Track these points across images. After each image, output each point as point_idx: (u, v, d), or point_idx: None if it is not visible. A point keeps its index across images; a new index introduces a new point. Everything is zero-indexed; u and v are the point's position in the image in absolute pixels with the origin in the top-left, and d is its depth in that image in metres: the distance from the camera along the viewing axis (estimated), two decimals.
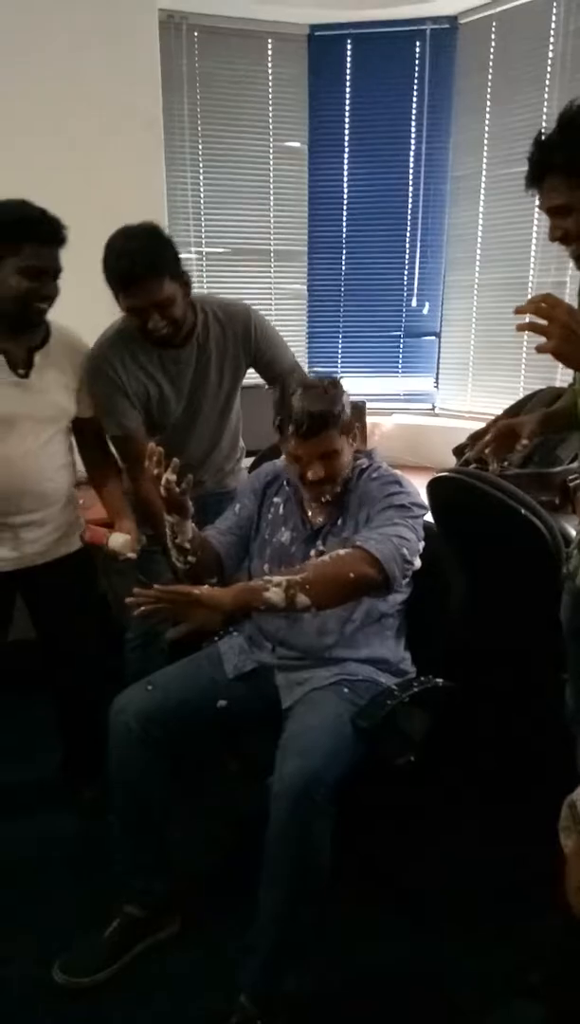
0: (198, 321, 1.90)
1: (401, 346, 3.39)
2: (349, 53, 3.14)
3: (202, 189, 3.13)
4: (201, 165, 3.11)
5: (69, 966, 1.61)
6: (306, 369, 3.33)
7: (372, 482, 1.63)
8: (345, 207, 3.28)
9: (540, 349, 1.19)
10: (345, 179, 3.26)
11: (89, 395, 1.89)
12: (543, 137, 1.35)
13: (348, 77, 3.16)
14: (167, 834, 1.68)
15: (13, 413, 1.75)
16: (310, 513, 1.69)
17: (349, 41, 3.12)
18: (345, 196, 3.28)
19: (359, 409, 1.63)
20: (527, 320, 1.18)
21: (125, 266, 1.70)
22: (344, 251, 3.32)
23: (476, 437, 1.90)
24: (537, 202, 1.39)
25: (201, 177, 3.12)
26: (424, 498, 1.68)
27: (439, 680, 1.64)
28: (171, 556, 1.65)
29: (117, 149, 2.77)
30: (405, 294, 3.32)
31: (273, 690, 1.64)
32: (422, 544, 1.60)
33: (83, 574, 1.98)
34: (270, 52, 3.11)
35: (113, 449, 1.98)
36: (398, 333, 3.38)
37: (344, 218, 3.29)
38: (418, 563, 1.59)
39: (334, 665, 1.61)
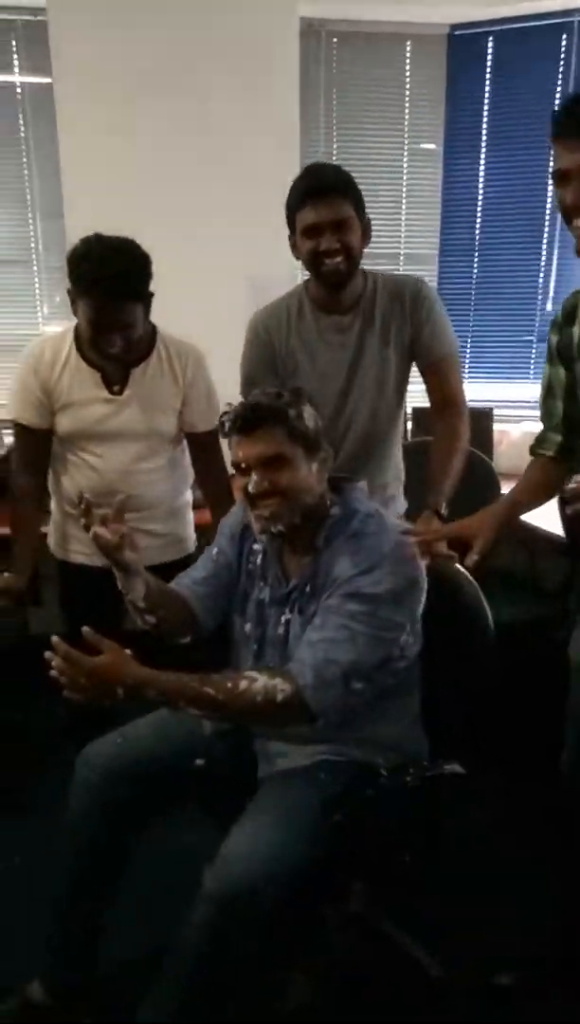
0: (366, 287, 1.80)
1: (533, 351, 3.27)
2: (490, 51, 3.06)
3: None
4: None
5: None
6: None
7: (346, 542, 1.35)
8: (479, 209, 3.20)
9: None
10: (480, 180, 3.18)
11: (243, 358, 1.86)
12: None
13: (488, 76, 3.08)
14: (102, 918, 1.48)
15: (104, 430, 1.79)
16: (286, 565, 1.46)
17: (490, 39, 3.04)
18: (480, 198, 3.20)
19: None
20: None
21: (318, 176, 1.70)
22: (476, 254, 3.24)
23: None
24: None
25: None
26: (412, 567, 1.34)
27: (448, 766, 1.39)
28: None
29: (255, 157, 2.83)
30: (539, 298, 3.20)
31: (253, 754, 1.47)
32: (406, 627, 1.33)
33: None
34: (408, 54, 3.08)
35: None
36: (530, 338, 3.26)
37: (478, 220, 3.21)
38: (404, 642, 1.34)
39: (321, 743, 1.39)
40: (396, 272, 1.98)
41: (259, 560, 1.49)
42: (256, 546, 1.49)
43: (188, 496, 2.06)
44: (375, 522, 1.37)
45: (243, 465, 1.35)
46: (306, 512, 1.36)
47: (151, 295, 1.70)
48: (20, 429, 1.86)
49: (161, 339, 1.83)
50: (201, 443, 1.92)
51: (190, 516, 2.06)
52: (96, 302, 1.61)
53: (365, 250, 1.76)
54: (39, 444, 1.87)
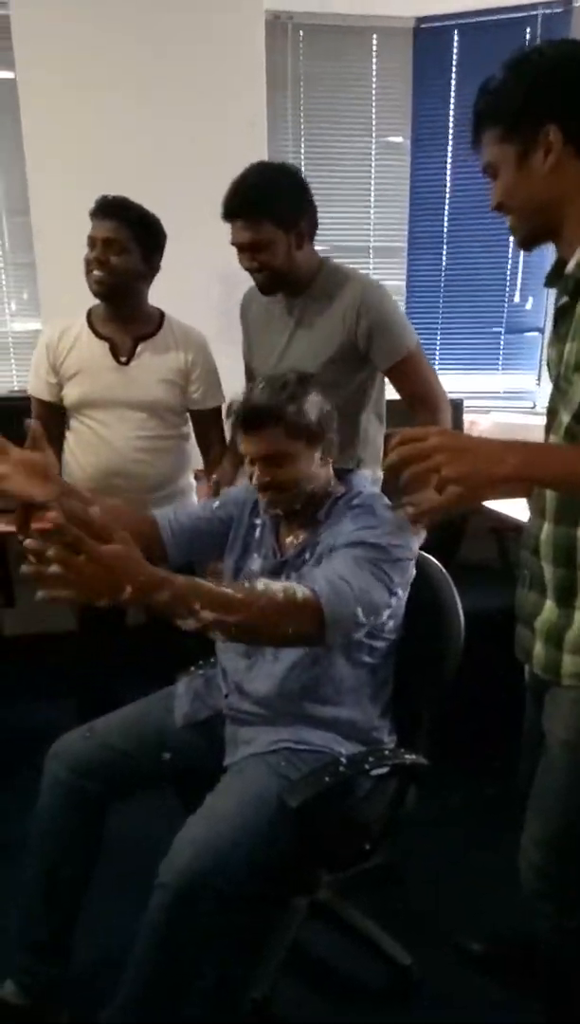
0: (320, 274, 1.86)
1: (502, 342, 3.30)
2: (455, 44, 3.07)
3: None
4: (303, 163, 3.12)
5: None
6: None
7: (349, 511, 1.41)
8: (447, 202, 3.22)
9: (440, 490, 1.00)
10: (448, 173, 3.19)
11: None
12: (491, 84, 1.16)
13: (454, 69, 3.10)
14: (77, 912, 1.48)
15: (108, 398, 1.94)
16: (283, 538, 1.50)
17: (455, 32, 3.06)
18: (447, 190, 3.22)
19: (318, 418, 1.41)
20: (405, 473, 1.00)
21: (232, 197, 1.77)
22: (445, 246, 3.26)
23: None
24: None
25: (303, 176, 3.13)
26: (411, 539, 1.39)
27: (409, 756, 1.41)
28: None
29: (222, 151, 2.81)
30: (507, 289, 3.23)
31: (221, 743, 1.48)
32: (398, 595, 1.37)
33: None
34: (375, 47, 3.08)
35: None
36: (499, 329, 3.29)
37: (446, 213, 3.22)
38: (388, 617, 1.37)
39: (285, 728, 1.40)
40: (361, 270, 1.97)
41: (258, 533, 1.55)
42: (257, 520, 1.55)
43: (191, 479, 2.14)
44: (377, 499, 1.43)
45: (248, 459, 1.43)
46: (307, 498, 1.44)
47: (147, 237, 1.93)
48: (33, 401, 2.06)
49: (168, 321, 2.03)
50: (204, 419, 2.09)
51: (194, 498, 2.14)
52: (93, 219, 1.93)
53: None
54: (47, 416, 1.98)
